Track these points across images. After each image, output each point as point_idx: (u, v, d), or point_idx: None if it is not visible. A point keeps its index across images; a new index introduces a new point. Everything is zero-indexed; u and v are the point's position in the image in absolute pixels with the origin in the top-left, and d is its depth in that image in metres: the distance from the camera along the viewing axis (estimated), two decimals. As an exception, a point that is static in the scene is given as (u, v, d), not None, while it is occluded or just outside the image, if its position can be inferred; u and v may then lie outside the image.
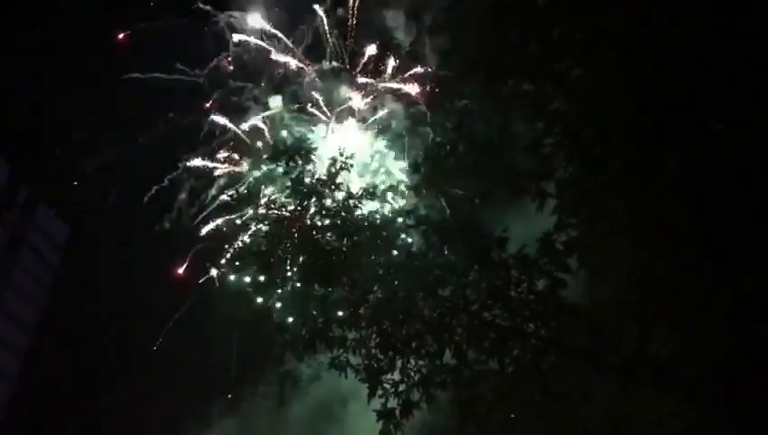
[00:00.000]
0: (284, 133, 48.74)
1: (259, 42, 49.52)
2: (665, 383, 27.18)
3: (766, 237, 23.98)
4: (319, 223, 34.25)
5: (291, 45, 49.50)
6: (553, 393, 28.83)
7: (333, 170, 36.37)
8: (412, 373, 30.15)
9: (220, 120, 48.81)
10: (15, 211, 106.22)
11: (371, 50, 46.01)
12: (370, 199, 35.98)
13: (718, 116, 24.28)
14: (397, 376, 30.39)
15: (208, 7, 50.37)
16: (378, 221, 33.93)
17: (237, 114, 50.98)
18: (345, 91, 46.68)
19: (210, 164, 51.07)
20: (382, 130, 46.99)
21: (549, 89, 27.33)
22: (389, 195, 38.04)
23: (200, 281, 58.67)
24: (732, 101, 23.78)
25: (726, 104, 23.89)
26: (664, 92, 23.93)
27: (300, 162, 36.26)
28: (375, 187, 37.13)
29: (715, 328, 25.39)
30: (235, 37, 48.09)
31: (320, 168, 42.31)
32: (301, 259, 33.29)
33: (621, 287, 27.30)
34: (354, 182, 44.32)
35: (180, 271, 67.00)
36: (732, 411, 25.32)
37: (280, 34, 47.49)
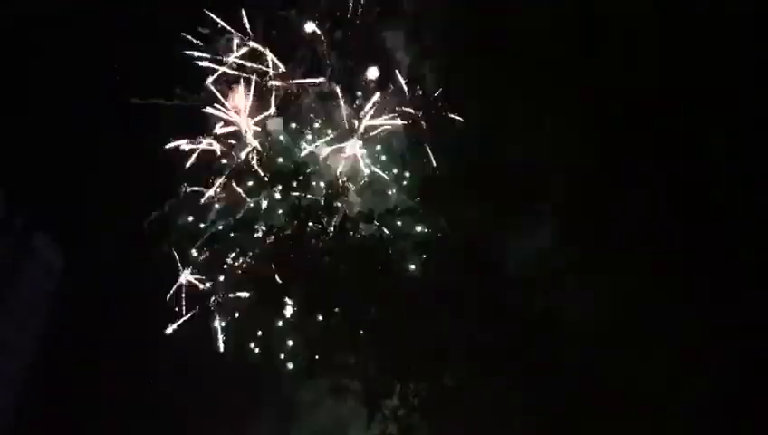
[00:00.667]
0: (284, 157, 49.39)
1: (255, 65, 50.29)
2: (665, 406, 27.60)
3: (764, 254, 24.65)
4: (317, 247, 34.40)
5: (290, 66, 50.28)
6: (554, 414, 29.15)
7: (331, 194, 36.57)
8: (411, 398, 30.35)
9: (217, 146, 49.49)
10: (11, 238, 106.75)
11: (372, 71, 46.79)
12: (368, 223, 36.08)
13: (717, 129, 24.94)
14: (396, 401, 30.54)
15: (207, 30, 51.01)
16: (375, 244, 34.09)
17: (237, 137, 51.74)
18: (345, 111, 47.39)
19: (209, 192, 51.70)
20: (383, 149, 47.68)
21: (546, 108, 27.98)
22: (387, 217, 38.56)
23: (195, 311, 59.07)
24: (731, 111, 24.49)
25: (726, 114, 24.61)
26: (663, 105, 24.67)
27: (296, 185, 36.59)
28: (372, 210, 37.17)
29: (716, 346, 25.93)
30: (229, 59, 48.88)
31: (319, 190, 42.56)
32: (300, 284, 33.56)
33: (619, 306, 27.82)
34: (353, 203, 44.79)
35: (176, 304, 67.12)
36: (734, 431, 25.82)
37: (274, 58, 48.32)
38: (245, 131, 50.30)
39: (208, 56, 50.34)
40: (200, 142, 50.17)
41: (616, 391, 27.28)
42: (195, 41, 50.66)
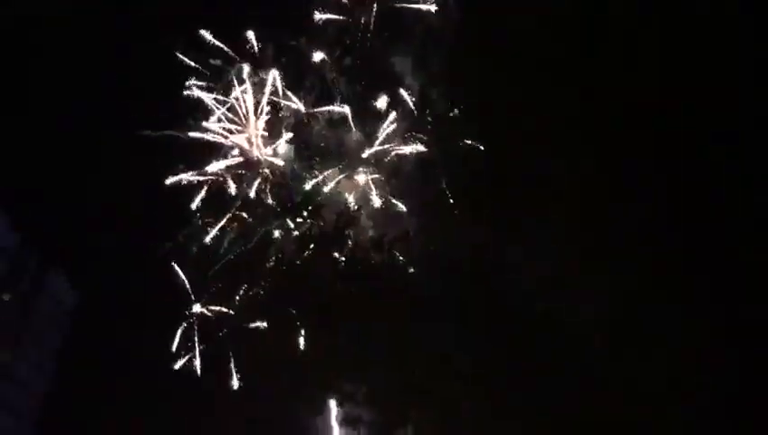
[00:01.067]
0: (294, 186, 49.81)
1: (266, 94, 50.83)
2: (665, 406, 27.76)
3: (764, 254, 25.01)
4: (328, 274, 34.68)
5: (300, 94, 50.75)
6: (554, 414, 29.29)
7: (341, 223, 36.98)
8: (424, 427, 30.63)
9: (228, 175, 49.74)
10: (26, 278, 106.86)
11: (381, 96, 47.19)
12: (377, 251, 36.37)
13: (718, 129, 25.41)
14: (410, 431, 30.82)
15: (218, 61, 51.56)
16: (385, 270, 34.38)
17: (248, 166, 52.07)
18: (355, 136, 47.71)
19: (220, 223, 51.78)
20: (392, 174, 47.99)
21: (547, 109, 28.51)
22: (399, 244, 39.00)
23: (207, 344, 58.99)
24: (731, 111, 24.98)
25: (726, 114, 25.09)
26: (663, 105, 25.19)
27: (306, 215, 37.02)
28: (382, 237, 37.44)
29: (716, 346, 26.18)
30: (240, 88, 49.30)
31: (330, 218, 42.99)
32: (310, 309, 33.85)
33: (619, 306, 28.10)
34: (366, 228, 45.12)
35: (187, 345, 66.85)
36: (734, 431, 25.98)
37: (281, 87, 48.73)
38: (256, 158, 50.94)
39: (219, 86, 51.25)
40: (212, 173, 50.71)
41: (616, 391, 27.46)
42: (203, 70, 51.60)
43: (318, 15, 49.35)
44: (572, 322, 27.73)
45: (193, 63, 51.12)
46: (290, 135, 50.12)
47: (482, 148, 34.36)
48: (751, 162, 24.77)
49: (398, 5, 47.45)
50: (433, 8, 44.55)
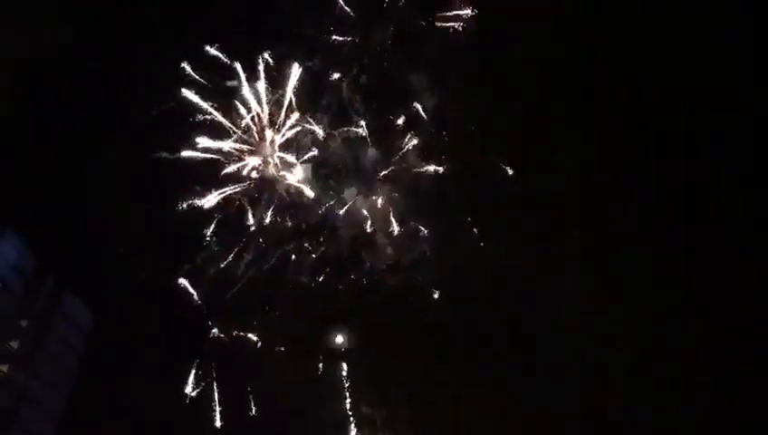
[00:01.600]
0: (311, 207, 50.04)
1: (282, 114, 51.11)
2: (666, 406, 27.81)
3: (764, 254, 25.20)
4: (345, 297, 34.81)
5: (318, 114, 50.95)
6: (554, 414, 29.33)
7: (357, 246, 37.10)
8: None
9: (246, 204, 49.98)
10: (41, 300, 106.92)
11: (397, 114, 47.44)
12: (393, 274, 36.40)
13: (717, 129, 25.70)
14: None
15: (235, 83, 51.91)
16: (401, 293, 34.45)
17: (265, 186, 52.27)
18: (371, 154, 47.86)
19: (236, 247, 51.99)
20: (409, 193, 48.16)
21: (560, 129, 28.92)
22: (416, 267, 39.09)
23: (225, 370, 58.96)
24: (731, 111, 25.26)
25: (726, 114, 25.37)
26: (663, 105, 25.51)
27: (323, 239, 37.25)
28: (399, 259, 37.44)
29: (716, 346, 26.30)
30: (251, 109, 49.51)
31: (347, 240, 43.13)
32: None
33: (619, 306, 28.23)
34: (384, 245, 45.28)
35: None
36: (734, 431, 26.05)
37: (296, 104, 48.95)
38: (272, 178, 51.27)
39: (234, 106, 51.69)
40: (228, 194, 51.02)
41: (616, 391, 27.55)
42: (218, 89, 52.10)
43: (334, 36, 49.73)
44: (572, 322, 27.86)
45: (209, 84, 51.60)
46: (306, 155, 50.33)
47: (495, 162, 34.69)
48: (751, 162, 25.00)
49: (413, 23, 47.78)
50: (447, 24, 44.91)
